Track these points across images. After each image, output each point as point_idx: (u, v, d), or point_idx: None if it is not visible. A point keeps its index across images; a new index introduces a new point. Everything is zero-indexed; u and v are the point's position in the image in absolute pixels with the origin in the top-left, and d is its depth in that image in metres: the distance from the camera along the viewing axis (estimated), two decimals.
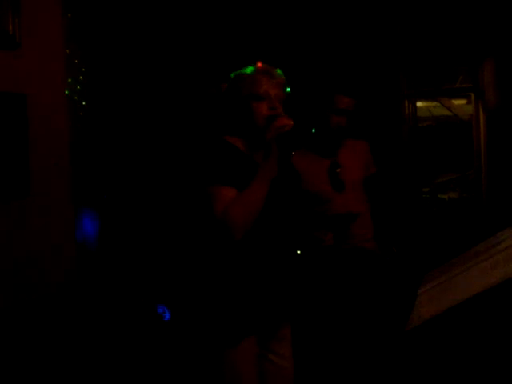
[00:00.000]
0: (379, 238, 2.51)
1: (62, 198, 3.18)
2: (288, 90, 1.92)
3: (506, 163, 4.83)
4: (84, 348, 3.16)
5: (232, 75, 1.97)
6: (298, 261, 2.00)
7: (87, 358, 3.13)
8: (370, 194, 2.62)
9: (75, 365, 3.05)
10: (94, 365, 3.12)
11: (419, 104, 5.33)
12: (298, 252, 2.05)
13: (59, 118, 3.16)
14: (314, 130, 2.58)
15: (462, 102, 5.99)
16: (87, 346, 3.18)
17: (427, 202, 5.38)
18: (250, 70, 1.93)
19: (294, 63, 2.05)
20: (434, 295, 1.76)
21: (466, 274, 1.68)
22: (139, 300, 3.65)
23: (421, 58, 4.79)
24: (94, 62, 3.55)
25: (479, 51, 4.88)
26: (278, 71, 1.93)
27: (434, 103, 6.08)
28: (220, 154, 1.83)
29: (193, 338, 2.65)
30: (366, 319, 2.04)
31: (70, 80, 3.24)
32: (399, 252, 2.32)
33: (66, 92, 3.21)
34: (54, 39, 3.16)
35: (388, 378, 1.89)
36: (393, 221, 2.69)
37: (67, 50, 3.18)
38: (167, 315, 3.81)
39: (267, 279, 1.84)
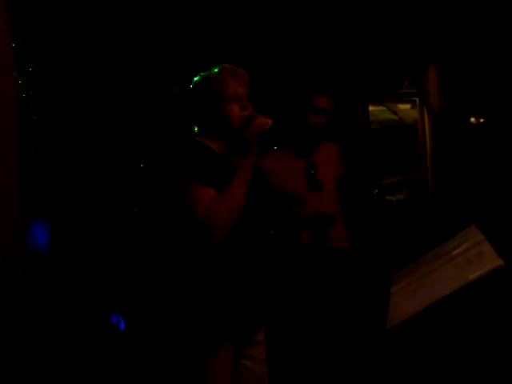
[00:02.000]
0: (348, 228, 2.56)
1: (11, 199, 3.02)
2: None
3: (450, 165, 5.02)
4: (33, 359, 3.02)
5: (196, 78, 1.95)
6: (274, 262, 1.98)
7: (35, 368, 2.99)
8: (340, 196, 2.65)
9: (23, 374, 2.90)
10: (43, 375, 2.99)
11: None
12: (273, 253, 2.03)
13: (7, 116, 3.00)
14: (288, 130, 2.58)
15: (407, 106, 6.18)
16: (37, 360, 3.04)
17: (376, 203, 5.51)
18: (214, 71, 1.91)
19: (247, 62, 2.04)
20: (407, 295, 1.78)
21: (439, 272, 1.71)
22: (92, 308, 3.53)
23: (368, 62, 4.91)
24: (42, 61, 3.42)
25: (423, 57, 5.06)
26: (242, 70, 1.92)
27: (380, 107, 6.24)
28: (197, 155, 1.80)
29: (164, 348, 2.59)
30: (342, 319, 2.05)
31: (19, 81, 3.09)
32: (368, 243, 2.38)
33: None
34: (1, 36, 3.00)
35: (368, 378, 1.91)
36: (360, 220, 2.73)
37: (13, 44, 3.03)
38: (122, 325, 3.70)
39: (245, 282, 1.81)
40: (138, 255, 3.70)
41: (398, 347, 1.65)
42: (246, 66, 1.97)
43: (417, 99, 5.48)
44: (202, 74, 1.94)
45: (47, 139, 3.49)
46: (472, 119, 4.77)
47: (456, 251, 1.86)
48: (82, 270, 3.56)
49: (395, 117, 6.38)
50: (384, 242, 4.46)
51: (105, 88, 3.94)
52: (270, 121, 1.81)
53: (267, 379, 1.96)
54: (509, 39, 4.26)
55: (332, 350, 2.09)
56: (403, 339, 1.64)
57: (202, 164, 1.78)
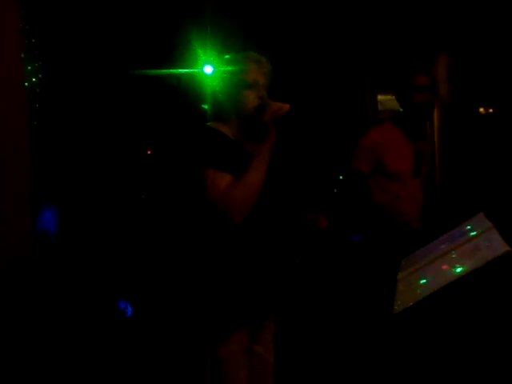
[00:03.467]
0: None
1: (21, 189, 3.04)
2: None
3: (459, 155, 5.00)
4: (43, 346, 3.05)
5: (222, 59, 1.95)
6: (288, 249, 2.00)
7: (47, 355, 3.02)
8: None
9: (34, 363, 2.94)
10: (54, 363, 3.02)
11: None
12: (289, 238, 2.04)
13: (18, 109, 3.01)
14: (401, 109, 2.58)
15: None
16: (46, 344, 3.07)
17: None
18: (238, 56, 1.91)
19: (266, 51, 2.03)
20: (413, 281, 1.78)
21: (444, 258, 1.71)
22: (101, 295, 3.56)
23: (377, 52, 4.89)
24: (52, 55, 3.43)
25: (433, 47, 5.02)
26: (265, 59, 1.93)
27: (389, 96, 6.20)
28: (209, 140, 1.80)
29: (176, 334, 2.60)
30: (348, 305, 2.06)
31: (29, 70, 3.10)
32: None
33: (26, 84, 3.08)
34: (10, 31, 3.01)
35: (375, 365, 1.92)
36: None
37: (26, 40, 3.04)
38: (129, 311, 3.73)
39: (260, 268, 1.82)
40: (147, 242, 3.72)
41: (404, 333, 1.65)
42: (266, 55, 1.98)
43: None
44: (227, 56, 1.94)
45: (55, 127, 3.50)
46: (481, 109, 4.74)
47: (463, 238, 1.85)
48: (91, 256, 3.59)
49: None
50: (390, 231, 4.44)
51: (112, 75, 3.94)
52: (287, 105, 1.83)
53: (273, 366, 1.98)
54: None
55: (339, 337, 2.10)
56: (409, 325, 1.65)
57: (216, 148, 1.78)
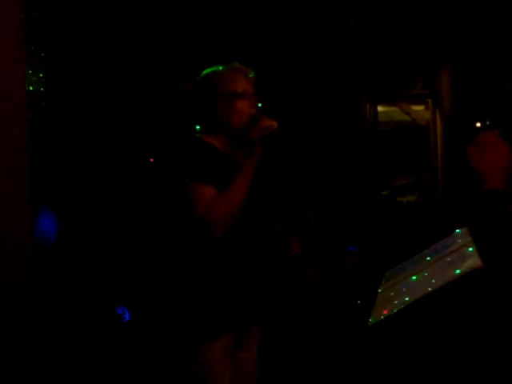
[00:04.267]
0: None
1: (19, 195, 3.10)
2: None
3: (461, 168, 4.98)
4: (41, 349, 3.09)
5: (204, 72, 1.97)
6: (274, 259, 2.04)
7: (43, 361, 3.07)
8: None
9: (32, 366, 2.98)
10: (52, 366, 3.06)
11: (379, 109, 5.45)
12: (272, 249, 2.08)
13: (18, 113, 3.08)
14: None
15: (420, 107, 6.13)
16: (44, 347, 3.11)
17: (386, 205, 5.49)
18: (222, 67, 1.94)
19: (252, 60, 2.07)
20: (392, 293, 1.80)
21: (423, 272, 1.73)
22: (98, 301, 3.59)
23: (381, 63, 4.91)
24: (54, 52, 3.49)
25: (437, 58, 5.03)
26: (250, 68, 1.96)
27: (394, 108, 6.21)
28: (197, 152, 1.84)
29: (166, 335, 2.62)
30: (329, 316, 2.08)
31: (31, 76, 3.17)
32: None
33: (31, 88, 3.15)
34: (14, 35, 3.08)
35: (350, 373, 1.93)
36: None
37: (31, 47, 3.11)
38: (127, 316, 3.76)
39: (247, 276, 1.86)
40: (142, 249, 3.75)
41: (380, 343, 1.67)
42: (252, 64, 2.00)
43: (429, 100, 5.45)
44: (209, 69, 1.96)
45: (56, 132, 3.55)
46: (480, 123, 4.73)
47: (444, 252, 1.87)
48: (88, 262, 3.63)
49: (408, 118, 6.34)
50: (389, 242, 4.45)
51: (115, 83, 4.00)
52: (275, 123, 1.84)
53: (257, 371, 2.00)
54: None
55: (319, 345, 2.12)
56: (386, 334, 1.67)
57: (202, 161, 1.81)
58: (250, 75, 1.93)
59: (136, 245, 3.78)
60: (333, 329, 1.99)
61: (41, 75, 3.34)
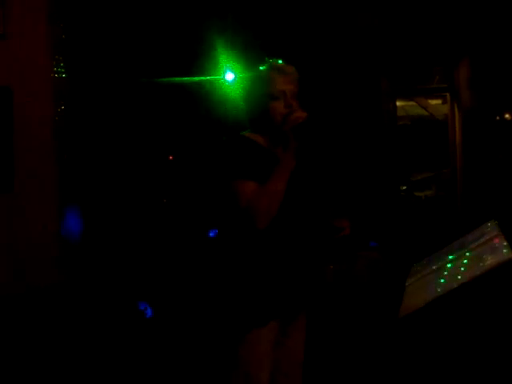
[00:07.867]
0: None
1: (47, 194, 3.14)
2: None
3: (480, 162, 4.95)
4: (71, 348, 3.14)
5: (246, 74, 2.02)
6: (318, 250, 2.06)
7: (76, 357, 3.11)
8: None
9: (64, 365, 3.03)
10: (84, 364, 3.10)
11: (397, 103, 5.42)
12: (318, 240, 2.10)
13: (45, 114, 3.12)
14: None
15: (438, 101, 6.11)
16: (74, 346, 3.16)
17: (404, 200, 5.48)
18: (263, 68, 1.97)
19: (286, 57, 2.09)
20: (420, 286, 1.81)
21: (453, 265, 1.74)
22: (123, 297, 3.64)
23: (399, 58, 4.89)
24: (82, 52, 3.53)
25: (455, 52, 5.00)
26: (291, 67, 1.98)
27: (411, 103, 6.19)
28: (240, 150, 1.90)
29: (198, 333, 2.65)
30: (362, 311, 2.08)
31: (56, 73, 3.20)
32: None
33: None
34: (40, 29, 3.11)
35: (382, 367, 1.94)
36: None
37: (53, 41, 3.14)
38: (149, 312, 3.81)
39: (292, 263, 1.89)
40: (167, 243, 3.79)
41: (412, 335, 1.68)
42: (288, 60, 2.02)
43: (447, 94, 5.41)
44: (251, 70, 2.01)
45: (81, 133, 3.59)
46: (507, 115, 4.70)
47: (473, 244, 1.88)
48: (113, 258, 3.67)
49: (426, 112, 6.32)
50: (409, 237, 4.44)
51: (138, 81, 4.03)
52: (304, 114, 1.87)
53: (302, 361, 2.02)
54: None
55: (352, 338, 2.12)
56: (416, 327, 1.67)
57: (244, 159, 1.88)
58: (290, 74, 1.95)
59: (161, 240, 3.81)
60: (363, 322, 2.01)
61: (63, 75, 3.37)
